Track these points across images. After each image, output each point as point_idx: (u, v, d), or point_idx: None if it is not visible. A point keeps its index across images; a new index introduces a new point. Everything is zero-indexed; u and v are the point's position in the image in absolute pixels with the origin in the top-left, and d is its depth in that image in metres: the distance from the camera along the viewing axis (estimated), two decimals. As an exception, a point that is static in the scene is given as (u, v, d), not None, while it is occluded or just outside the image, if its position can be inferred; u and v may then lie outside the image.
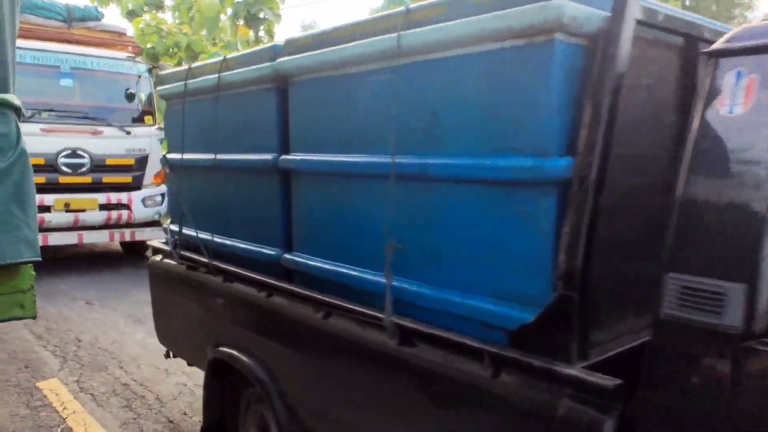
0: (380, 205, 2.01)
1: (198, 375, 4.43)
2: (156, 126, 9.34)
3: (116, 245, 9.84)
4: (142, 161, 8.94)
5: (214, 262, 2.92)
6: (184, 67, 3.36)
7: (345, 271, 2.23)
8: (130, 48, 9.84)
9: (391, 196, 1.91)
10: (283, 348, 2.51)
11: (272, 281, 2.54)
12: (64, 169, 8.14)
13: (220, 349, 2.83)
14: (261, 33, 18.71)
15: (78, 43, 9.06)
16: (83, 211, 8.29)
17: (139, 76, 9.17)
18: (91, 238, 8.52)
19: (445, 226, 1.88)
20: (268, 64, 2.56)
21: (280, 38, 19.28)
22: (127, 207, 8.70)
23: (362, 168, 2.13)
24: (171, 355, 3.59)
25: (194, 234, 3.14)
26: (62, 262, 9.06)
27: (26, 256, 2.13)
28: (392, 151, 1.88)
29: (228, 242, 2.99)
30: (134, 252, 9.85)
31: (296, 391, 2.47)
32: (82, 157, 8.26)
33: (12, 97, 2.14)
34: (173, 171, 3.50)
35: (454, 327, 1.83)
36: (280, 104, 2.56)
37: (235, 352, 2.71)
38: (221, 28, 18.70)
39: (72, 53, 8.60)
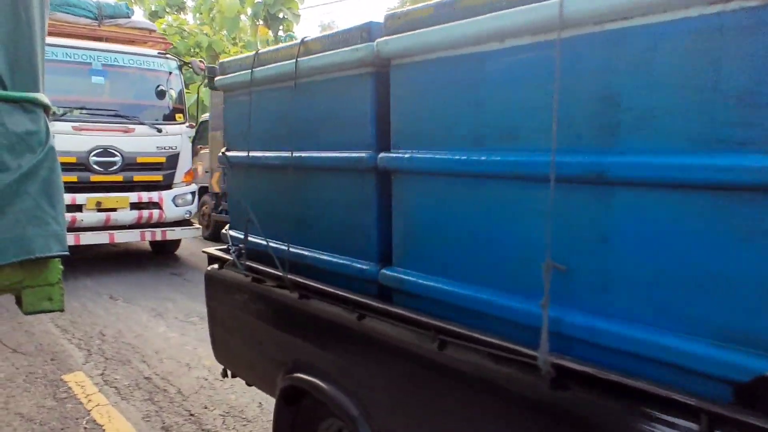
0: (529, 215, 1.60)
1: (219, 370, 4.50)
2: (187, 123, 9.13)
3: (143, 243, 9.58)
4: (173, 159, 8.68)
5: (290, 276, 2.47)
6: (250, 53, 2.92)
7: (476, 294, 1.76)
8: (161, 45, 9.57)
9: (551, 203, 1.46)
10: (379, 379, 2.07)
11: (371, 302, 2.06)
12: (96, 167, 7.92)
13: (296, 375, 2.40)
14: (280, 33, 18.84)
15: (108, 40, 8.84)
16: (114, 210, 8.10)
17: (170, 73, 8.87)
18: (122, 237, 8.23)
19: (630, 243, 1.41)
20: (362, 45, 2.10)
21: (298, 34, 19.39)
22: (158, 206, 8.46)
23: (506, 168, 1.66)
24: (229, 374, 3.19)
25: (262, 242, 2.71)
26: (86, 258, 9.18)
27: (55, 251, 2.12)
28: (553, 146, 1.44)
29: (306, 253, 2.52)
30: (163, 251, 9.67)
31: (394, 429, 2.04)
32: (113, 155, 8.05)
33: (42, 96, 2.13)
34: (235, 171, 3.08)
35: (638, 371, 1.38)
36: (378, 92, 2.12)
37: (316, 381, 2.28)
38: (241, 28, 18.78)
39: (103, 50, 8.35)
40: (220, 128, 11.29)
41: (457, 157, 1.80)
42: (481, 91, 1.74)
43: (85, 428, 3.60)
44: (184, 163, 8.86)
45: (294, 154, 2.52)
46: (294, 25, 18.81)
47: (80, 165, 7.80)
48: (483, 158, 1.72)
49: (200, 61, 9.61)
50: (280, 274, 2.51)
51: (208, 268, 3.18)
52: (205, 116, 11.19)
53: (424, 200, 1.96)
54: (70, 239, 7.15)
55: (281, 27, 18.66)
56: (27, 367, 4.60)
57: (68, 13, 8.55)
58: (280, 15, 18.36)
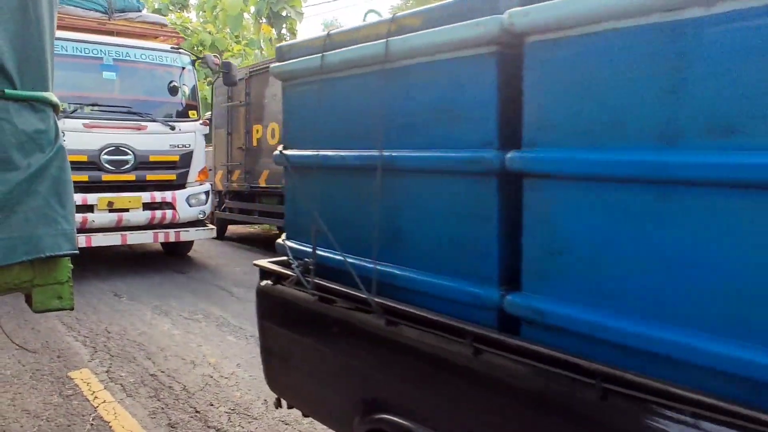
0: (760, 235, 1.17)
1: (224, 367, 4.51)
2: (200, 121, 8.57)
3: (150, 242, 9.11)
4: (186, 158, 8.21)
5: (377, 299, 2.03)
6: (319, 34, 2.47)
7: (666, 335, 1.32)
8: (173, 39, 9.14)
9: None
10: (505, 428, 1.64)
11: (503, 337, 1.61)
12: (108, 166, 7.51)
13: (383, 417, 1.97)
14: (283, 31, 18.83)
15: (119, 34, 8.38)
16: (126, 210, 7.66)
17: (183, 68, 8.39)
18: (134, 238, 7.77)
19: None
20: (485, 19, 1.67)
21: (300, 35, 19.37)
22: (171, 206, 8.02)
23: (724, 173, 1.23)
24: (283, 404, 2.82)
25: (336, 257, 2.29)
26: (90, 256, 9.25)
27: (65, 249, 2.14)
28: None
29: (397, 272, 2.07)
30: (175, 252, 9.28)
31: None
32: (125, 153, 7.63)
33: (50, 95, 2.11)
34: (297, 172, 2.61)
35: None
36: (503, 76, 1.69)
37: (412, 425, 1.86)
38: (244, 26, 18.77)
39: (115, 44, 7.88)
40: (223, 126, 11.38)
41: (640, 159, 1.37)
42: (682, 72, 1.31)
43: (92, 425, 3.59)
44: (198, 162, 8.40)
45: (384, 154, 2.05)
46: (297, 23, 18.79)
47: (91, 164, 7.38)
48: (682, 159, 1.30)
49: (215, 56, 9.08)
50: (362, 295, 2.07)
51: (261, 284, 2.72)
52: (208, 114, 11.20)
53: (580, 212, 1.50)
54: (81, 241, 6.79)
55: (284, 25, 18.61)
56: (33, 364, 4.54)
57: (78, 6, 8.22)
58: (283, 13, 18.28)
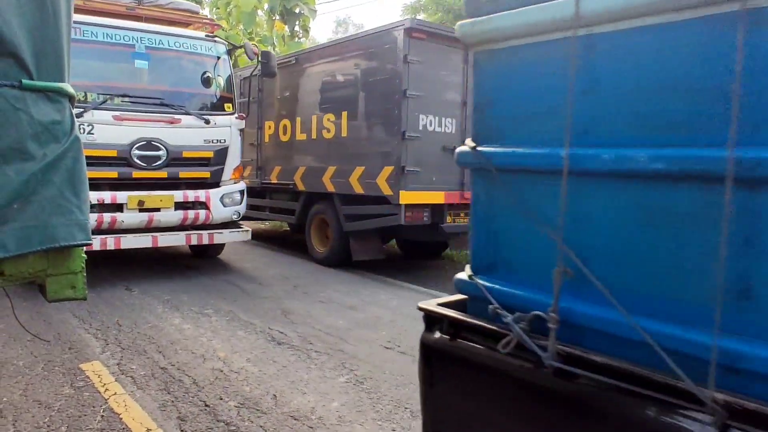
0: None
1: (234, 361, 4.53)
2: (236, 114, 7.93)
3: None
4: (221, 154, 7.65)
5: (719, 397, 1.25)
6: None
7: None
8: (207, 27, 8.56)
9: None
10: None
11: None
12: (138, 162, 6.99)
13: None
14: (296, 28, 18.86)
15: (148, 20, 7.82)
16: (158, 210, 7.15)
17: (218, 58, 7.81)
18: (166, 240, 7.25)
19: None
20: None
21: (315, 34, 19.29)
22: (204, 206, 7.49)
23: None
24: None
25: (601, 314, 1.53)
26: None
27: (79, 239, 2.13)
28: None
29: (748, 350, 1.30)
30: (205, 255, 8.84)
31: None
32: (157, 149, 7.10)
33: (66, 86, 2.13)
34: (507, 177, 1.82)
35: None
36: None
37: None
38: (258, 23, 18.84)
39: (147, 31, 7.29)
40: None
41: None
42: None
43: (102, 416, 3.61)
44: (233, 159, 7.81)
45: (739, 153, 1.27)
46: (310, 21, 18.80)
47: (121, 159, 6.90)
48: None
49: (254, 44, 8.38)
50: (681, 386, 1.31)
51: (432, 337, 1.97)
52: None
53: None
54: (110, 243, 6.63)
55: (297, 22, 18.64)
56: (45, 355, 4.54)
57: None
58: (297, 10, 18.29)
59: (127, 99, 7.14)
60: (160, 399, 3.90)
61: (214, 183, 7.65)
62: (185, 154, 7.37)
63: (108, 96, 6.99)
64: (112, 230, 6.86)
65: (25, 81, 2.00)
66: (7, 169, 1.97)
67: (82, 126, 6.14)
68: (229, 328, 5.51)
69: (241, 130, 8.09)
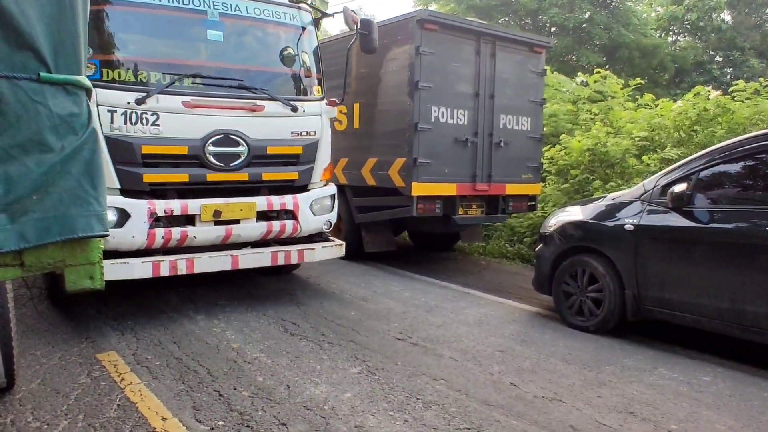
0: None
1: (247, 352, 4.58)
2: (326, 100, 6.18)
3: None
4: (311, 149, 5.92)
5: None
6: None
7: None
8: None
9: None
10: None
11: None
12: (214, 161, 5.32)
13: None
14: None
15: None
16: (236, 222, 5.52)
17: (303, 29, 6.00)
18: (248, 261, 5.62)
19: None
20: None
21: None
22: (292, 215, 5.85)
23: None
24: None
25: None
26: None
27: (97, 230, 2.15)
28: None
29: None
30: (281, 272, 7.26)
31: None
32: (237, 144, 5.42)
33: (84, 79, 2.16)
34: None
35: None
36: None
37: None
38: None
39: None
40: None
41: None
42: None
43: (119, 405, 3.67)
44: (324, 155, 6.10)
45: None
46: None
47: (193, 158, 5.26)
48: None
49: (353, 11, 6.39)
50: None
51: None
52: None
53: None
54: (182, 266, 5.20)
55: (309, 14, 18.62)
56: (62, 345, 4.64)
57: None
58: (309, 1, 18.34)
59: (198, 81, 5.39)
60: (175, 389, 3.96)
61: (302, 186, 6.01)
62: (270, 150, 5.67)
63: (176, 76, 5.26)
64: (182, 249, 5.43)
65: (43, 74, 2.02)
66: (26, 161, 2.00)
67: (144, 115, 5.00)
68: (242, 319, 5.56)
69: (332, 120, 6.40)
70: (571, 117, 11.69)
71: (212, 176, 5.39)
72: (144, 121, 5.03)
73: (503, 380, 4.31)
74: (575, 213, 5.99)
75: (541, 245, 6.26)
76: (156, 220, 5.16)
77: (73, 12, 2.12)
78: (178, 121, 5.18)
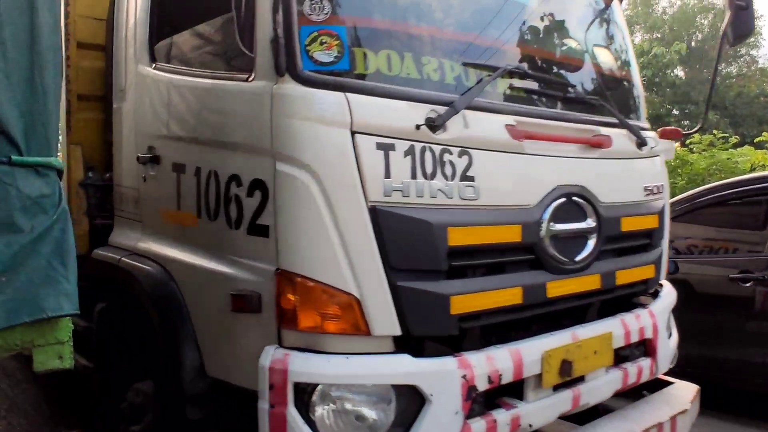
0: None
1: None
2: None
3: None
4: (662, 220, 3.14)
5: None
6: None
7: None
8: None
9: None
10: None
11: None
12: (555, 254, 2.51)
13: None
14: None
15: None
16: (581, 380, 2.61)
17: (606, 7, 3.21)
18: None
19: None
20: None
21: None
22: (646, 348, 2.96)
23: None
24: None
25: None
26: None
27: (66, 310, 2.13)
28: None
29: None
30: None
31: None
32: (582, 215, 2.65)
33: (54, 160, 2.21)
34: None
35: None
36: None
37: None
38: None
39: None
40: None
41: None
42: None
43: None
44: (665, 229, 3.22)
45: None
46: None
47: (526, 250, 2.47)
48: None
49: None
50: None
51: None
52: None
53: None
54: None
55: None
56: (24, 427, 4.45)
57: None
58: None
59: (514, 86, 2.61)
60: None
61: (652, 289, 3.20)
62: (624, 225, 2.88)
63: (486, 73, 2.46)
64: None
65: (14, 157, 2.05)
66: None
67: (446, 157, 2.24)
68: None
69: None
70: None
71: (555, 286, 2.55)
72: (446, 171, 2.26)
73: None
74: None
75: None
76: (473, 400, 2.25)
77: (45, 95, 2.18)
78: (502, 168, 2.44)
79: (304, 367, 2.00)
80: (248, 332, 2.23)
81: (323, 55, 2.06)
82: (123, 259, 2.85)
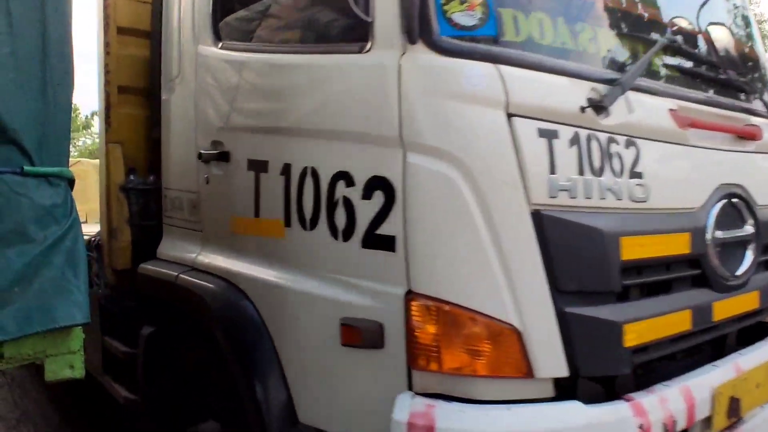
0: None
1: None
2: None
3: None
4: None
5: None
6: None
7: None
8: None
9: None
10: None
11: None
12: (719, 266, 2.08)
13: None
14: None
15: None
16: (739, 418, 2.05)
17: None
18: None
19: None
20: None
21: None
22: None
23: None
24: None
25: None
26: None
27: (78, 319, 2.19)
28: None
29: None
30: None
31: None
32: (742, 220, 2.22)
33: (66, 170, 2.27)
34: None
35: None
36: None
37: None
38: None
39: None
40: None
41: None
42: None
43: None
44: None
45: None
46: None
47: (692, 263, 2.02)
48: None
49: None
50: None
51: None
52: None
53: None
54: None
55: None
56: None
57: None
58: None
59: (673, 61, 2.24)
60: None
61: None
62: None
63: (642, 48, 2.07)
64: None
65: (26, 167, 2.11)
66: (8, 253, 2.05)
67: (612, 148, 1.81)
68: None
69: None
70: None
71: (720, 306, 2.12)
72: (614, 166, 1.83)
73: None
74: None
75: None
76: None
77: (57, 106, 2.22)
78: (668, 163, 2.05)
79: (457, 422, 1.51)
80: (362, 371, 1.76)
81: (464, 17, 1.64)
82: (181, 276, 2.39)
